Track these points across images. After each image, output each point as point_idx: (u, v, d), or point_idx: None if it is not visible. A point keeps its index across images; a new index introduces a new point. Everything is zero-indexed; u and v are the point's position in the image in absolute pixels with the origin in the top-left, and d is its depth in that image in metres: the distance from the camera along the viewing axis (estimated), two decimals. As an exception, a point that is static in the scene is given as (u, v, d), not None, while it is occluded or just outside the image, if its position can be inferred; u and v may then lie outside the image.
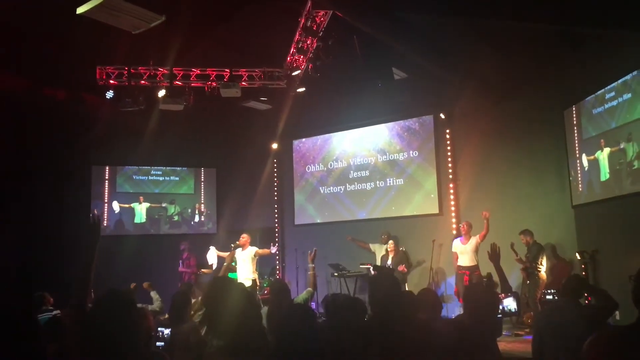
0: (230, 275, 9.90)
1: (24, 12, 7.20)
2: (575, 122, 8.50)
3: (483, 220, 8.41)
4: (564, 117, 8.74)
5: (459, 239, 8.86)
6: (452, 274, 9.63)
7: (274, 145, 12.23)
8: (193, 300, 4.98)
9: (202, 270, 10.41)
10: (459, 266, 8.68)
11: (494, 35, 8.31)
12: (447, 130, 10.18)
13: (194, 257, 10.74)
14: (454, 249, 8.85)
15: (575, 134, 8.48)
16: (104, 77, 9.07)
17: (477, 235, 8.51)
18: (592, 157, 8.06)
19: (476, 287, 5.40)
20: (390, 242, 9.53)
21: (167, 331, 3.56)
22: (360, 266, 10.22)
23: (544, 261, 8.20)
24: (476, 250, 8.47)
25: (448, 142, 10.17)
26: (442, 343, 2.98)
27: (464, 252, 8.62)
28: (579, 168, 8.41)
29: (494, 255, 3.99)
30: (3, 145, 10.07)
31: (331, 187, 11.70)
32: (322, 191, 11.81)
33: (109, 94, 9.12)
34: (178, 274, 10.68)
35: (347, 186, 11.48)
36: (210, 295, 2.70)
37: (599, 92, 7.89)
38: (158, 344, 3.52)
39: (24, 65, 8.59)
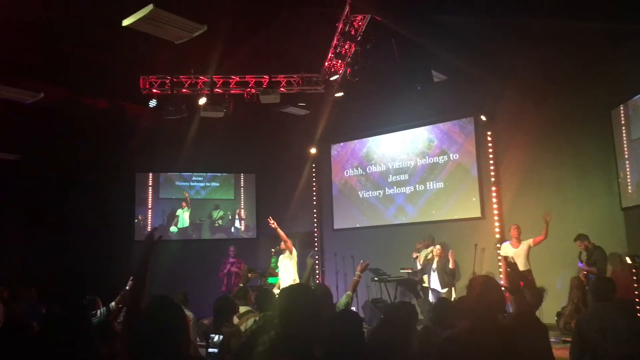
0: (270, 280, 10.03)
1: (68, 24, 7.44)
2: (623, 122, 8.22)
3: (543, 223, 8.11)
4: (611, 116, 8.47)
5: (507, 242, 8.63)
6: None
7: (312, 150, 12.27)
8: (246, 309, 4.92)
9: (250, 274, 10.50)
10: (516, 271, 8.44)
11: (534, 35, 8.13)
12: (489, 133, 10.00)
13: (243, 261, 10.84)
14: (503, 253, 8.64)
15: (624, 134, 8.19)
16: (147, 86, 9.29)
17: (530, 239, 8.30)
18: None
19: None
20: (438, 246, 9.34)
21: (216, 338, 3.55)
22: (401, 271, 10.13)
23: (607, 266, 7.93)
24: (528, 255, 8.27)
25: (490, 145, 9.99)
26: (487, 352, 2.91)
27: (516, 256, 8.37)
28: (628, 169, 8.12)
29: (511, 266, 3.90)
30: (49, 155, 10.45)
31: (370, 191, 11.65)
32: (360, 195, 11.78)
33: (152, 103, 9.32)
34: (219, 279, 10.77)
35: (386, 190, 11.41)
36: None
37: (649, 90, 7.62)
38: (210, 350, 3.52)
39: (69, 76, 8.87)
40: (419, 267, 9.60)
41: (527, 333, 3.04)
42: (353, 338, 2.52)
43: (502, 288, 8.80)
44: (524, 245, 8.33)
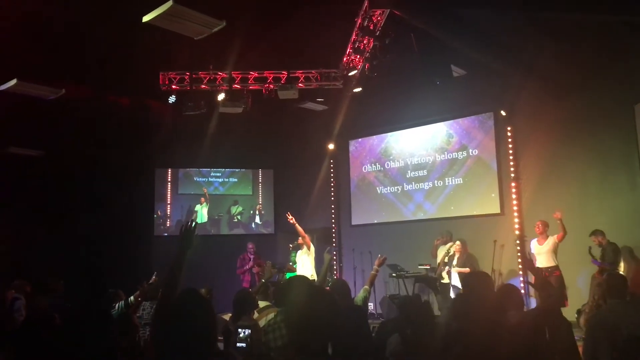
0: (288, 275, 10.05)
1: (89, 21, 7.52)
2: (647, 117, 8.07)
3: (556, 221, 8.03)
4: (635, 111, 8.31)
5: (534, 240, 8.51)
6: (514, 276, 9.37)
7: (330, 146, 12.26)
8: (266, 304, 4.93)
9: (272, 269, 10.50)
10: (538, 268, 8.35)
11: (556, 28, 8.00)
12: (509, 128, 9.88)
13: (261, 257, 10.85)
14: (532, 251, 8.56)
15: (647, 129, 8.05)
16: (167, 82, 9.37)
17: (555, 236, 8.19)
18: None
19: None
20: (458, 242, 9.27)
21: (241, 333, 3.52)
22: (419, 267, 10.08)
23: (622, 262, 7.81)
24: (554, 251, 8.16)
25: (509, 140, 9.87)
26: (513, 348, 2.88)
27: (541, 252, 8.25)
28: (651, 165, 7.98)
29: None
30: (71, 152, 10.60)
31: (388, 187, 11.61)
32: (379, 191, 11.74)
33: (172, 99, 9.40)
34: (238, 276, 10.79)
35: (405, 186, 11.35)
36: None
37: (674, 84, 7.45)
38: (239, 345, 3.50)
39: (89, 73, 8.98)
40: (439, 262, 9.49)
41: (549, 330, 3.01)
42: (358, 334, 2.51)
43: (522, 285, 8.79)
44: (550, 241, 8.23)
